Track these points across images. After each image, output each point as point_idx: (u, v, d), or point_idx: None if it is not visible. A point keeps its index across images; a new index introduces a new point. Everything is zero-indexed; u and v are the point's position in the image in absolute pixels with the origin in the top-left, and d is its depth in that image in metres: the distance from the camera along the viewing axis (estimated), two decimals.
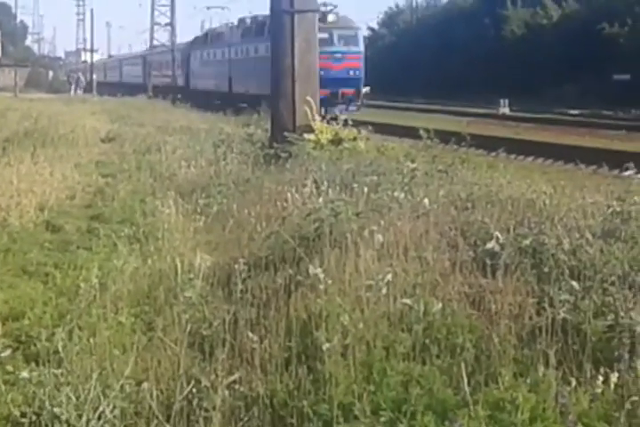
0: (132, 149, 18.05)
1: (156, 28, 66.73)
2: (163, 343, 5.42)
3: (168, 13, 66.00)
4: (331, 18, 32.14)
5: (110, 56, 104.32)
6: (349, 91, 32.01)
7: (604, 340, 4.76)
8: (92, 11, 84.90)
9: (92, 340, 5.45)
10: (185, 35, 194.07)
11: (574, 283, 5.35)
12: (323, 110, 24.38)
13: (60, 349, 5.18)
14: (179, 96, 45.80)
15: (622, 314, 4.71)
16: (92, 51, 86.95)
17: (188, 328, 5.49)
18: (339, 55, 32.02)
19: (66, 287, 7.03)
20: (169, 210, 9.22)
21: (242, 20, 40.63)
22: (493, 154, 15.38)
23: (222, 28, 47.62)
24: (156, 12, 66.44)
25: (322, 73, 24.98)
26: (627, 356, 4.33)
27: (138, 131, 22.55)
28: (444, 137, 13.23)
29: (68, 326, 5.69)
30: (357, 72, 32.74)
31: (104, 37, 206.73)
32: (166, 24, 66.06)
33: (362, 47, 33.83)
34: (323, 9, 30.47)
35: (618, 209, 7.10)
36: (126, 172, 14.35)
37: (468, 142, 12.47)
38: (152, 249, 8.06)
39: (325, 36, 29.84)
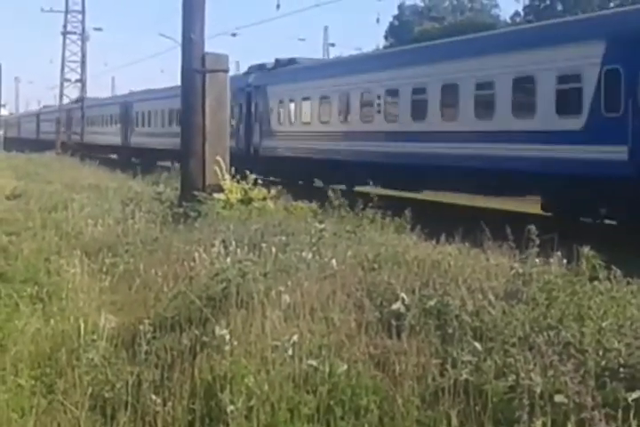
0: (38, 207, 17.74)
1: (66, 84, 66.09)
2: (63, 406, 5.31)
3: (79, 70, 65.53)
4: None
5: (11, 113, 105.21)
6: None
7: (504, 401, 4.82)
8: None
9: None
10: (96, 91, 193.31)
11: (477, 344, 5.44)
12: None
13: None
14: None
15: (523, 375, 4.79)
16: None
17: (90, 391, 5.40)
18: None
19: None
20: (74, 269, 9.07)
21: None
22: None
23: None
24: (67, 68, 65.95)
25: None
26: (526, 417, 4.39)
27: (45, 188, 22.22)
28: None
29: None
30: None
31: (12, 92, 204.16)
32: (76, 80, 65.53)
33: None
34: None
35: (520, 271, 7.25)
36: (31, 230, 14.08)
37: (376, 204, 12.65)
38: (55, 309, 7.91)
39: None
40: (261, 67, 35.20)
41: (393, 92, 23.78)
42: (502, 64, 19.22)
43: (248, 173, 14.53)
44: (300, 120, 29.93)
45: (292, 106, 30.43)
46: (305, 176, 29.18)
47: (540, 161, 17.85)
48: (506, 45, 20.14)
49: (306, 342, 5.70)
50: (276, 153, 30.66)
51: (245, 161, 24.55)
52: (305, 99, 29.36)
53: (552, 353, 5.02)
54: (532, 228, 7.59)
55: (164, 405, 5.15)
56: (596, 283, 6.91)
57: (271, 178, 26.50)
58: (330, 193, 13.44)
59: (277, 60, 34.21)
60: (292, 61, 33.26)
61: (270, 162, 30.12)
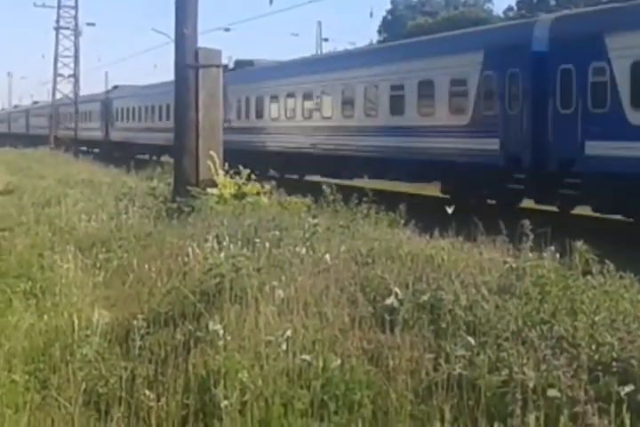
0: (32, 202, 17.70)
1: (59, 79, 65.92)
2: (57, 402, 5.31)
3: (71, 65, 65.34)
4: None
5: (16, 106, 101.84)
6: None
7: (498, 395, 4.83)
8: None
9: None
10: (89, 86, 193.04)
11: (470, 338, 5.44)
12: None
13: None
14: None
15: (516, 369, 4.80)
16: None
17: (84, 386, 5.41)
18: None
19: None
20: (67, 265, 9.06)
21: None
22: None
23: None
24: (60, 64, 65.70)
25: None
26: (519, 411, 4.40)
27: (38, 183, 22.16)
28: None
29: None
30: None
31: (4, 87, 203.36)
32: (69, 76, 65.31)
33: None
34: None
35: (513, 265, 7.25)
36: (24, 225, 14.05)
37: (370, 198, 12.63)
38: (49, 305, 7.91)
39: None
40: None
41: None
42: None
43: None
44: None
45: None
46: None
47: None
48: None
49: (299, 336, 5.71)
50: None
51: None
52: None
53: (545, 347, 5.03)
54: (526, 222, 7.60)
55: (158, 400, 5.15)
56: (588, 277, 6.93)
57: None
58: (324, 188, 13.42)
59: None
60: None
61: None
